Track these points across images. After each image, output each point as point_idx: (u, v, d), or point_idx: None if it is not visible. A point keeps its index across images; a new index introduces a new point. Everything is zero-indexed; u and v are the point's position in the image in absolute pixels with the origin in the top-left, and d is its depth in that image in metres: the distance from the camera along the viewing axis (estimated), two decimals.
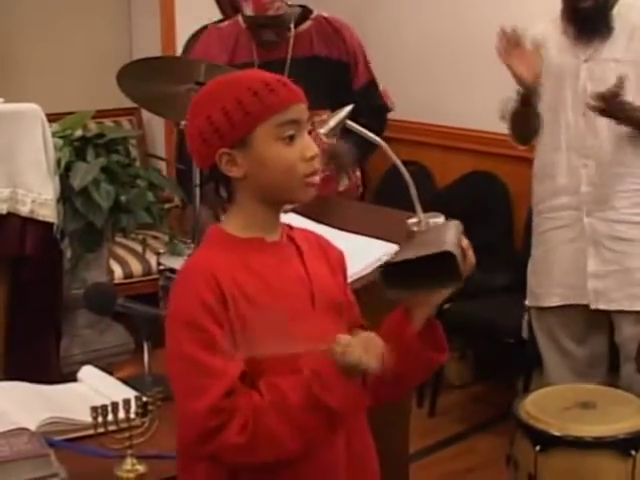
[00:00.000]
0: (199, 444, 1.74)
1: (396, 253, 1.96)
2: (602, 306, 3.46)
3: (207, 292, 1.76)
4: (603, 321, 3.55)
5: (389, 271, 1.85)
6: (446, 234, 1.89)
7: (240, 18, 3.81)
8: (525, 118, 3.51)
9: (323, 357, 1.72)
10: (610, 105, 3.21)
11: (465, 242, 1.88)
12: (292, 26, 3.72)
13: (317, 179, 1.85)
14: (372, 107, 3.70)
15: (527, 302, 3.69)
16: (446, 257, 1.81)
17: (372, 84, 3.81)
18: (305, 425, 1.73)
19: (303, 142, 1.83)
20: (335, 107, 3.30)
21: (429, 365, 1.96)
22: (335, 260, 1.99)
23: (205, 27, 4.44)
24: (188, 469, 1.86)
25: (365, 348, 1.70)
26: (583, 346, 3.60)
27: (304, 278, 1.88)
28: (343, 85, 3.74)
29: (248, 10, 3.59)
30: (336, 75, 3.74)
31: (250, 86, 1.81)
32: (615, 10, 3.40)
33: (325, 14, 3.83)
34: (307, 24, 3.76)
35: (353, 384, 1.73)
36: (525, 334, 3.93)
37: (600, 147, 3.41)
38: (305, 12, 3.80)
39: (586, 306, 3.49)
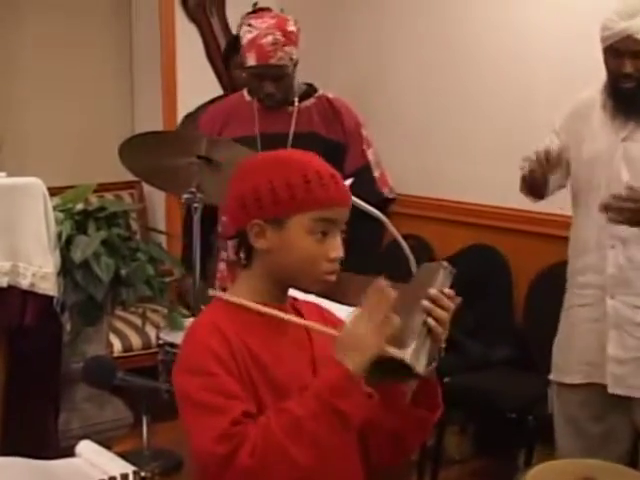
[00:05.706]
0: (216, 476, 1.73)
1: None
2: (619, 391, 3.38)
3: (215, 343, 1.78)
4: (624, 402, 3.44)
5: None
6: (414, 318, 1.86)
7: (245, 91, 3.86)
8: (534, 186, 3.43)
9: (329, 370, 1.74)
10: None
11: (441, 315, 1.86)
12: (296, 100, 3.77)
13: (333, 278, 1.89)
14: (364, 194, 3.69)
15: (551, 377, 3.61)
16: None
17: (364, 170, 3.82)
18: (315, 435, 1.71)
19: (333, 242, 1.87)
20: None
21: (424, 425, 1.97)
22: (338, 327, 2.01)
23: (205, 105, 4.52)
24: None
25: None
26: (599, 424, 3.51)
27: (307, 345, 1.92)
28: (339, 166, 3.76)
29: (251, 60, 3.65)
30: (333, 155, 3.76)
31: (304, 173, 1.84)
32: None
33: (330, 95, 3.87)
34: (310, 101, 3.81)
35: (361, 389, 1.74)
36: (550, 409, 3.85)
37: (628, 229, 3.29)
38: (310, 90, 3.86)
39: (606, 386, 3.41)
